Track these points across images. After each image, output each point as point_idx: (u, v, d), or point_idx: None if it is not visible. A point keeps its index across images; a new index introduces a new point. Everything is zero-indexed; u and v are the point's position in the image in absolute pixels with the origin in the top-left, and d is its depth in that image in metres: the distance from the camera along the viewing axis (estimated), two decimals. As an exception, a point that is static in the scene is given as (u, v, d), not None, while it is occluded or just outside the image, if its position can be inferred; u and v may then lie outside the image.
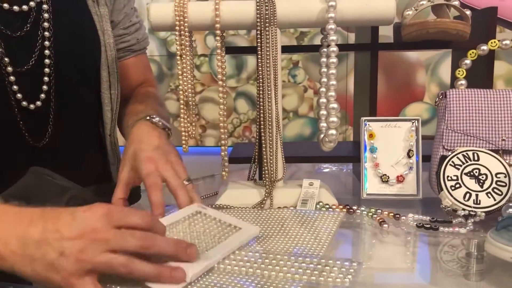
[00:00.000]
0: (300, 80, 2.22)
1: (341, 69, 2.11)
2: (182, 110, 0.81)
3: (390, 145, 0.84)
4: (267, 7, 0.76)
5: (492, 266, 0.60)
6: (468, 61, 0.82)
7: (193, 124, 0.83)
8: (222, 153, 0.82)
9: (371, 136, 0.84)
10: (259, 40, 0.78)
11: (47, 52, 0.74)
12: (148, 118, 0.78)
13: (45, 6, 0.75)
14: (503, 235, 0.59)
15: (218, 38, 0.78)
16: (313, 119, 2.13)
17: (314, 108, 2.15)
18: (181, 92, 0.80)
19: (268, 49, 0.78)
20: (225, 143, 0.82)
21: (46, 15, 0.75)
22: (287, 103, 2.22)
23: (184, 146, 0.83)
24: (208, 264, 0.54)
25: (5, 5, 0.71)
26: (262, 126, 0.80)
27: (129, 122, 0.81)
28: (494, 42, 0.80)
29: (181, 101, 0.81)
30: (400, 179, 0.83)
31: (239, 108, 2.25)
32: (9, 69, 0.71)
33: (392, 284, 0.59)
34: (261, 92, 0.79)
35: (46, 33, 0.74)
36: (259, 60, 0.78)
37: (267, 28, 0.77)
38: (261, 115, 0.80)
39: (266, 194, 0.80)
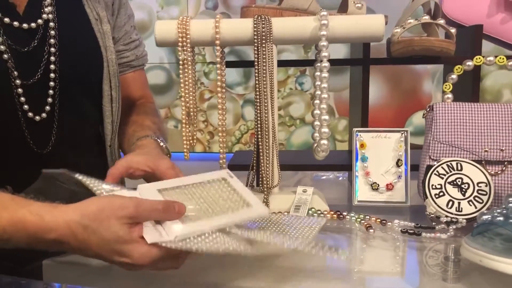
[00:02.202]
0: (307, 88, 2.27)
1: (345, 79, 2.15)
2: (183, 121, 0.87)
3: (380, 155, 0.89)
4: (263, 25, 0.82)
5: (470, 270, 0.64)
6: (454, 76, 0.86)
7: (195, 133, 0.88)
8: (221, 161, 0.87)
9: (362, 146, 0.89)
10: (256, 56, 0.83)
11: (52, 66, 0.80)
12: (156, 139, 0.82)
13: (51, 24, 0.80)
14: (478, 241, 0.63)
15: (218, 53, 0.84)
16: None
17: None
18: (183, 103, 0.86)
19: (264, 63, 0.83)
20: (223, 151, 0.87)
21: (52, 32, 0.80)
22: (294, 110, 2.26)
23: (185, 154, 0.88)
24: (202, 229, 0.58)
25: (15, 23, 0.77)
26: (259, 136, 0.85)
27: (136, 133, 0.86)
28: (479, 58, 0.85)
29: (183, 112, 0.86)
30: (389, 187, 0.88)
31: (246, 115, 2.30)
32: (18, 81, 0.77)
33: (386, 287, 0.64)
34: (258, 104, 0.84)
35: (52, 49, 0.80)
36: (256, 74, 0.84)
37: (264, 44, 0.82)
38: (259, 125, 0.85)
39: (263, 200, 0.85)
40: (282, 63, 0.92)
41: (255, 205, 0.65)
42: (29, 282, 0.63)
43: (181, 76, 0.85)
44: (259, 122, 0.85)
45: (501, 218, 0.62)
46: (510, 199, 0.65)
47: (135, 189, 0.64)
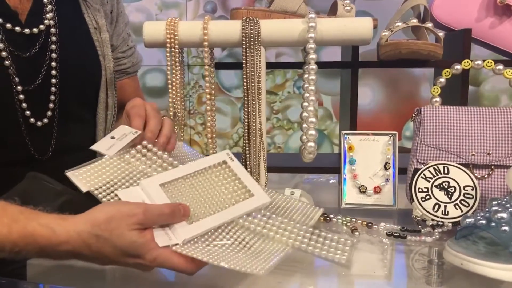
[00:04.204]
0: (304, 91, 2.27)
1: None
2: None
3: (368, 158, 0.88)
4: (252, 27, 0.82)
5: (454, 273, 0.64)
6: (442, 79, 0.86)
7: (182, 133, 0.88)
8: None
9: (350, 148, 0.89)
10: (244, 57, 0.83)
11: (53, 72, 0.80)
12: None
13: (53, 30, 0.81)
14: (461, 244, 0.63)
15: (206, 55, 0.84)
16: (317, 130, 2.18)
17: (318, 119, 2.20)
18: (170, 104, 0.86)
19: (253, 65, 0.83)
20: (212, 152, 0.87)
21: (53, 38, 0.81)
22: (292, 114, 2.26)
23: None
24: (208, 228, 0.61)
25: (17, 28, 0.77)
26: (247, 139, 0.85)
27: None
28: (467, 62, 0.85)
29: (170, 113, 0.86)
30: (377, 190, 0.88)
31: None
32: (19, 88, 0.77)
33: None
34: (246, 105, 0.84)
35: (53, 55, 0.80)
36: (244, 76, 0.84)
37: (252, 46, 0.83)
38: (246, 127, 0.85)
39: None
40: (272, 65, 0.92)
41: (257, 194, 0.68)
42: (10, 282, 0.64)
43: (168, 77, 0.86)
44: (246, 123, 0.85)
45: (484, 222, 0.62)
46: (494, 202, 0.65)
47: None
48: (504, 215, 0.61)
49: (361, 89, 2.10)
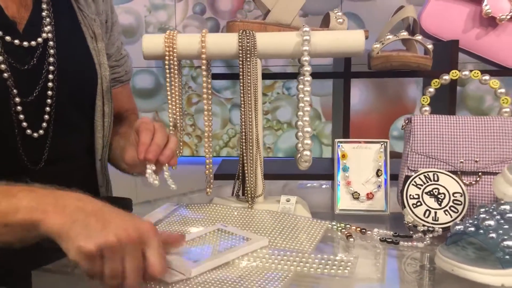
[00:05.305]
0: (294, 92, 2.30)
1: (331, 84, 2.18)
2: (170, 132, 0.89)
3: (361, 165, 0.92)
4: (248, 40, 0.85)
5: (445, 278, 0.68)
6: (431, 89, 0.89)
7: (181, 142, 0.90)
8: (207, 171, 0.90)
9: (343, 156, 0.92)
10: (241, 69, 0.86)
11: (50, 84, 0.82)
12: None
13: (51, 43, 0.82)
14: (451, 250, 0.67)
15: (203, 67, 0.86)
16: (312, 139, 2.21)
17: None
18: (170, 115, 0.88)
19: (249, 77, 0.86)
20: (209, 162, 0.90)
21: (51, 50, 0.82)
22: (282, 115, 2.29)
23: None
24: (211, 264, 0.65)
25: (16, 41, 0.79)
26: (244, 146, 0.88)
27: (121, 142, 0.89)
28: (455, 72, 0.88)
29: (170, 124, 0.88)
30: (369, 196, 0.91)
31: (234, 119, 2.32)
32: (17, 99, 0.78)
33: None
34: (243, 116, 0.87)
35: (51, 67, 0.82)
36: (241, 87, 0.86)
37: (248, 58, 0.85)
38: (243, 137, 0.87)
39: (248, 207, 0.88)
40: (266, 76, 0.95)
41: (254, 238, 0.73)
42: None
43: (168, 89, 0.88)
44: (244, 133, 0.87)
45: (473, 229, 0.66)
46: (482, 210, 0.69)
47: None
48: (492, 222, 0.64)
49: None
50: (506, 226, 0.64)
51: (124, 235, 0.56)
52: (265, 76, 0.92)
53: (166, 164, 0.77)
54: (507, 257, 0.61)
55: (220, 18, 2.30)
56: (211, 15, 2.31)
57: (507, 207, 0.66)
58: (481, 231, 0.64)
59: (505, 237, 0.62)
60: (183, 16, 2.31)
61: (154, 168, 0.75)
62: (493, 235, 0.63)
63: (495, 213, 0.66)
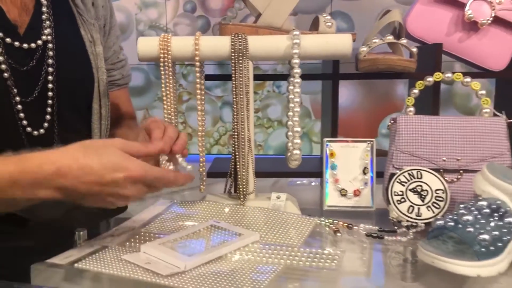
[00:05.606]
0: (284, 90, 2.33)
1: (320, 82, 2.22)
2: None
3: (348, 163, 0.96)
4: (240, 43, 0.88)
5: (427, 270, 0.71)
6: (416, 91, 0.94)
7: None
8: (200, 169, 0.93)
9: (332, 155, 0.96)
10: (233, 71, 0.89)
11: (50, 85, 0.85)
12: None
13: (50, 45, 0.85)
14: (432, 243, 0.70)
15: (197, 69, 0.89)
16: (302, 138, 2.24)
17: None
18: (165, 115, 0.91)
19: (241, 78, 0.89)
20: (203, 160, 0.93)
21: (50, 52, 0.85)
22: (272, 112, 2.32)
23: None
24: (205, 257, 0.68)
25: (16, 43, 0.81)
26: (236, 145, 0.91)
27: None
28: (439, 74, 0.92)
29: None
30: (356, 193, 0.95)
31: (225, 117, 2.35)
32: (17, 98, 0.81)
33: (352, 286, 0.70)
34: (235, 116, 0.90)
35: (50, 69, 0.84)
36: (234, 88, 0.89)
37: (240, 61, 0.88)
38: (236, 136, 0.91)
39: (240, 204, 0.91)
40: (258, 77, 0.98)
41: (246, 233, 0.76)
42: (21, 286, 0.67)
43: (162, 90, 0.91)
44: (236, 133, 0.91)
45: (452, 223, 0.70)
46: (461, 205, 0.73)
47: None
48: (470, 217, 0.69)
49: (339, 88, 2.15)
50: (482, 221, 0.68)
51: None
52: (257, 77, 0.96)
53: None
54: (483, 249, 0.65)
55: (210, 16, 2.32)
56: (202, 13, 2.32)
57: (484, 203, 0.70)
58: (460, 225, 0.68)
59: (482, 231, 0.66)
60: (173, 14, 2.33)
61: (166, 158, 0.80)
62: (471, 229, 0.67)
63: (473, 208, 0.70)
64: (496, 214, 0.69)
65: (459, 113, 2.05)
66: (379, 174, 0.95)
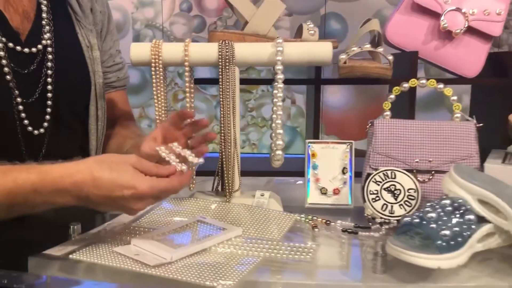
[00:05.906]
0: (278, 90, 2.38)
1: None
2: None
3: (328, 163, 1.01)
4: (227, 49, 0.93)
5: (396, 263, 0.77)
6: (392, 96, 0.99)
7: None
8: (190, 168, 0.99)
9: (313, 155, 1.02)
10: (220, 76, 0.94)
11: (49, 87, 0.90)
12: None
13: (49, 49, 0.91)
14: (400, 239, 0.76)
15: (187, 73, 0.95)
16: (290, 127, 2.29)
17: (291, 117, 2.31)
18: (157, 117, 0.97)
19: (228, 83, 0.95)
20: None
21: (50, 56, 0.91)
22: (266, 111, 2.37)
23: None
24: (191, 252, 0.74)
25: (18, 48, 0.87)
26: (223, 145, 0.97)
27: (127, 141, 0.99)
28: (414, 81, 0.98)
29: (157, 122, 0.97)
30: (336, 191, 1.01)
31: (219, 116, 2.40)
32: (19, 99, 0.87)
33: (331, 279, 0.76)
34: (222, 118, 0.96)
35: (49, 72, 0.90)
36: (221, 92, 0.95)
37: (227, 67, 0.94)
38: (222, 138, 0.97)
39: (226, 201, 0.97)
40: (245, 81, 1.04)
41: (229, 228, 0.82)
42: (20, 275, 0.70)
43: (154, 93, 0.96)
44: (223, 135, 0.96)
45: (418, 220, 0.76)
46: (427, 204, 0.79)
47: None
48: (433, 214, 0.75)
49: (330, 88, 2.20)
50: (445, 218, 0.74)
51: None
52: (243, 81, 1.01)
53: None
54: (444, 244, 0.71)
55: (206, 16, 2.36)
56: (198, 12, 2.36)
57: (448, 201, 0.77)
58: (424, 222, 0.75)
59: (443, 227, 0.72)
60: (170, 13, 2.36)
61: (177, 160, 0.82)
62: (434, 225, 0.73)
63: (437, 206, 0.77)
64: (457, 212, 0.75)
65: (450, 114, 2.11)
66: (358, 174, 1.01)
